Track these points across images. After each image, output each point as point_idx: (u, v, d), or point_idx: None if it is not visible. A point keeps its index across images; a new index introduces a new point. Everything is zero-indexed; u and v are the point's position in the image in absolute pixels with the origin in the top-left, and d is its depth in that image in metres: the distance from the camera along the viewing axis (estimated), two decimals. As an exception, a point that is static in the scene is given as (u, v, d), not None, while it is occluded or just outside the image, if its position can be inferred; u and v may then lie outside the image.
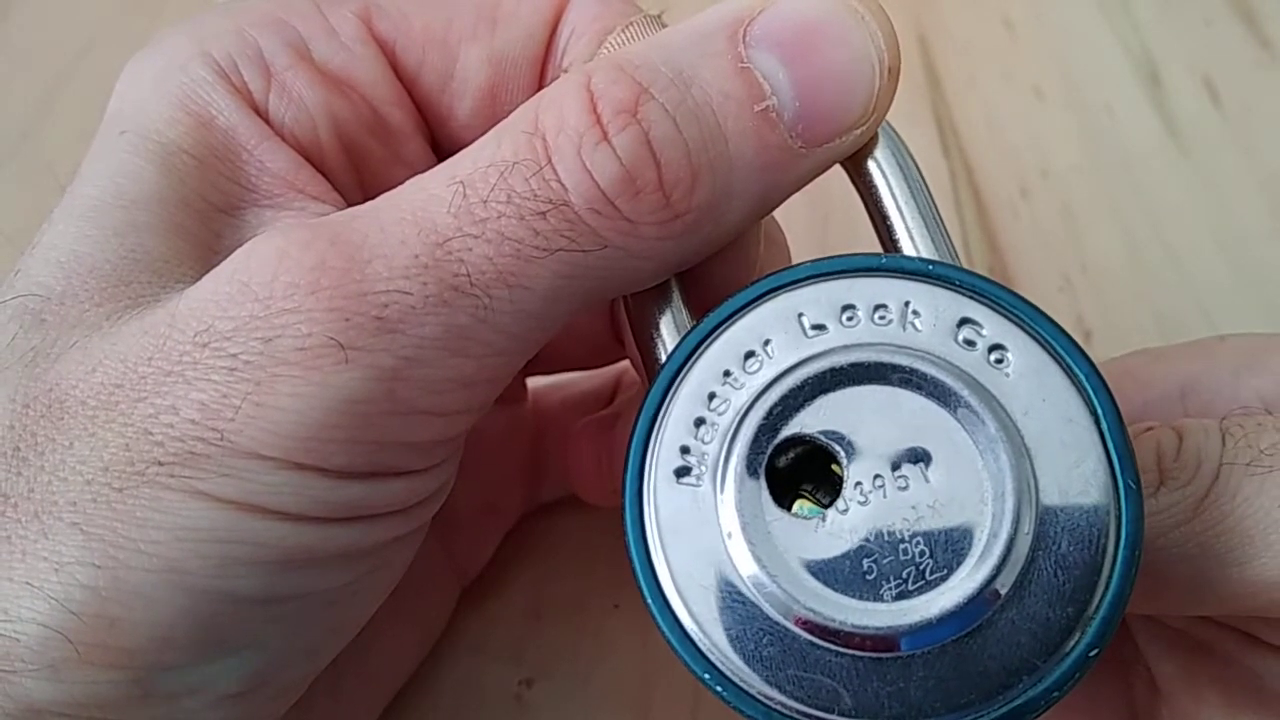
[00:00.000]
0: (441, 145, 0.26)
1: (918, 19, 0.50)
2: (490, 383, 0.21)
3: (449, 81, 0.25)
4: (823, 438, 0.20)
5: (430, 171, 0.21)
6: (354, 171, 0.25)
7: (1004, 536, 0.19)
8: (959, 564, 0.19)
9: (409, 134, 0.25)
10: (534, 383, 0.34)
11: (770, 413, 0.20)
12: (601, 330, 0.30)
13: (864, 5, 0.21)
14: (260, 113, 0.24)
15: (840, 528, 0.19)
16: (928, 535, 0.19)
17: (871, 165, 0.22)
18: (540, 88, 0.25)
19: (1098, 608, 0.19)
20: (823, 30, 0.21)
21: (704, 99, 0.20)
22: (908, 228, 0.22)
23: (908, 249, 0.22)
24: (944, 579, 0.19)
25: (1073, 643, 0.19)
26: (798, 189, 0.22)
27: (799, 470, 0.20)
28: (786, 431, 0.20)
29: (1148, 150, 0.44)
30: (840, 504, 0.20)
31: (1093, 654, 0.19)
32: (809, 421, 0.20)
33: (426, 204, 0.20)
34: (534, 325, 0.21)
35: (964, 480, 0.19)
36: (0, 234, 0.27)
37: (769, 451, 0.20)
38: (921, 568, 0.19)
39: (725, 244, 0.22)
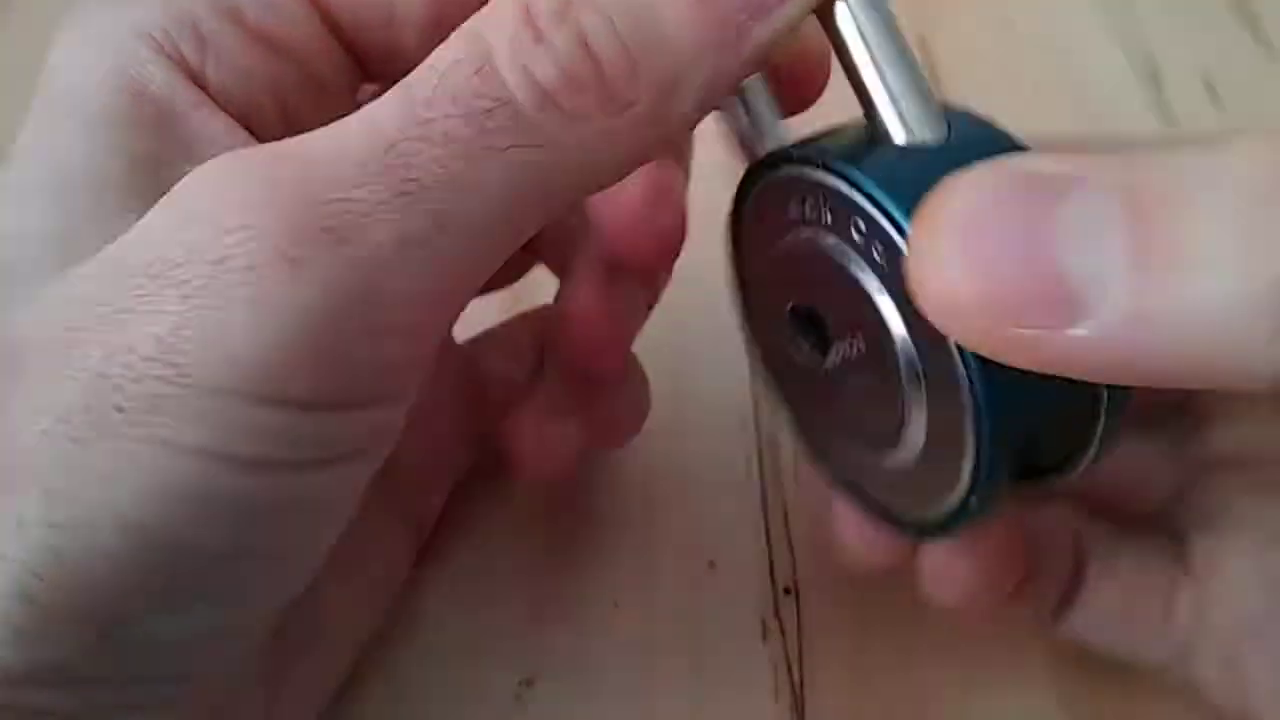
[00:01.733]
0: None
1: (918, 19, 0.50)
2: (451, 294, 0.21)
3: (389, 25, 0.25)
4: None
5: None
6: (293, 133, 0.25)
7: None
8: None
9: (346, 90, 0.25)
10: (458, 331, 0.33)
11: None
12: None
13: None
14: (196, 79, 0.23)
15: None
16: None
17: (840, 9, 0.22)
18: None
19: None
20: None
21: None
22: (881, 71, 0.22)
23: (878, 96, 0.22)
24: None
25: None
26: (766, 55, 0.21)
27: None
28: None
29: (1148, 150, 0.44)
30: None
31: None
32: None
33: (371, 112, 0.20)
34: (492, 231, 0.20)
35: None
36: None
37: None
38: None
39: (699, 120, 0.22)
